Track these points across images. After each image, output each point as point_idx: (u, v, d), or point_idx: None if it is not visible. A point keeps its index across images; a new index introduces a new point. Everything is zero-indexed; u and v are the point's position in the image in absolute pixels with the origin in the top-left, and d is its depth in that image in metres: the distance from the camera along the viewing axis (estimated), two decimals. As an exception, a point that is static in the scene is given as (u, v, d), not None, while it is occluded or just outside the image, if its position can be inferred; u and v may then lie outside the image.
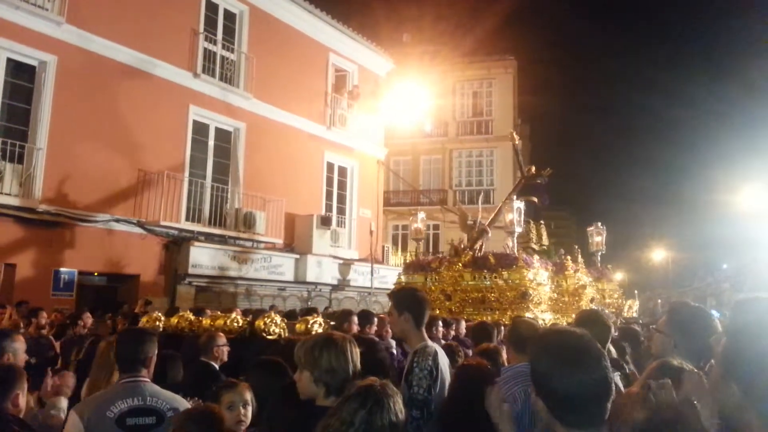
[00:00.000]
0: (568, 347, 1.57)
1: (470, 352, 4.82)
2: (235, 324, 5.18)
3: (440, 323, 6.44)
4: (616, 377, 2.89)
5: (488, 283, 9.33)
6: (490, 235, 11.05)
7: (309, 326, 4.92)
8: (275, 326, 4.89)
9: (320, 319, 5.22)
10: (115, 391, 2.70)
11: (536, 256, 10.21)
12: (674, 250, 46.78)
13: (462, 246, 10.61)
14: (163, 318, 5.83)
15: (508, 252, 10.01)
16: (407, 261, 12.70)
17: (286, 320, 5.23)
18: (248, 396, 2.84)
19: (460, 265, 9.76)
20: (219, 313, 6.02)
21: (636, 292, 14.22)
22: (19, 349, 3.31)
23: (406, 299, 3.30)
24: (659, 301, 22.74)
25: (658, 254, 47.68)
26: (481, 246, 10.70)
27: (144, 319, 5.87)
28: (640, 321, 10.64)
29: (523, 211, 10.63)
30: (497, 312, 8.93)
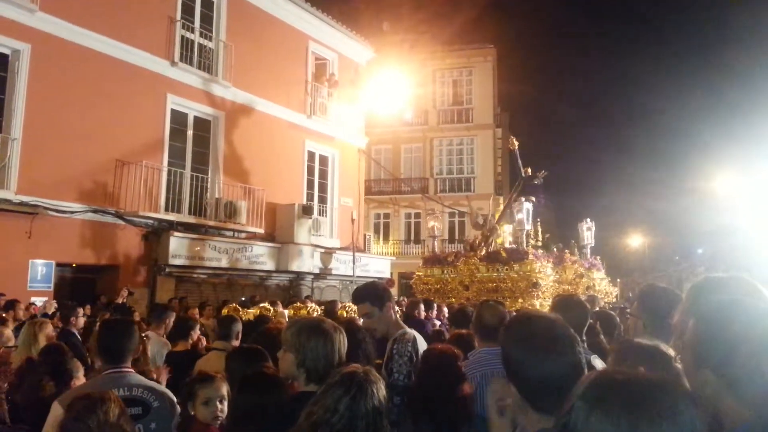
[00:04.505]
0: (541, 334, 1.55)
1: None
2: (315, 313, 5.73)
3: (422, 306, 6.69)
4: (597, 360, 2.96)
5: (501, 274, 10.49)
6: (499, 232, 12.07)
7: None
8: (354, 314, 5.07)
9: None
10: (100, 381, 2.68)
11: (540, 250, 11.42)
12: (650, 236, 47.53)
13: (476, 242, 11.94)
14: (241, 309, 6.08)
15: (516, 247, 11.15)
16: (426, 255, 13.67)
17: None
18: (224, 390, 2.78)
19: (476, 258, 10.93)
20: (299, 303, 6.83)
21: (619, 280, 15.05)
22: None
23: (381, 292, 3.26)
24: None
25: (634, 240, 48.34)
26: (491, 242, 11.81)
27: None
28: (621, 306, 11.43)
29: (530, 211, 11.72)
30: (509, 300, 9.81)
